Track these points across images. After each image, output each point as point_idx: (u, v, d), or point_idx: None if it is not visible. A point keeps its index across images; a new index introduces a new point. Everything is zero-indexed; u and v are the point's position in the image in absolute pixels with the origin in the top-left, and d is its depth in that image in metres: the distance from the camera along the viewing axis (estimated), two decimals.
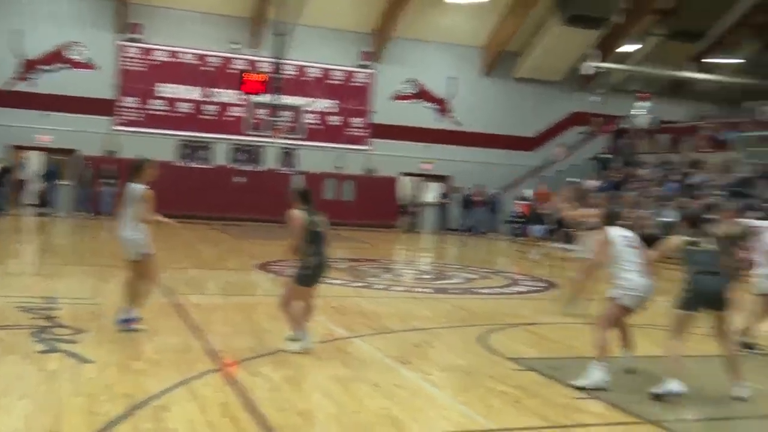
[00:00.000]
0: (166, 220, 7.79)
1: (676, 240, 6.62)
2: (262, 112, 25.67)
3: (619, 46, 28.80)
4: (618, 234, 6.82)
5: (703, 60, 29.63)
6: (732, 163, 23.42)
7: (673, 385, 6.09)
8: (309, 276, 7.09)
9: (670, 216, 22.00)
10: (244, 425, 4.97)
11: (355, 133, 28.10)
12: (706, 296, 6.28)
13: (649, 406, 5.99)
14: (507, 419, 5.45)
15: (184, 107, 26.45)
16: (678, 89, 30.86)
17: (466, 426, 5.30)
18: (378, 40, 27.69)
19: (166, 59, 26.21)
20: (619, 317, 6.78)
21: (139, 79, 25.87)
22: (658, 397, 6.08)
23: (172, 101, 26.36)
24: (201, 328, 7.98)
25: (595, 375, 6.35)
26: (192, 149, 26.55)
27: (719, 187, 22.10)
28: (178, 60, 26.31)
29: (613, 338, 6.86)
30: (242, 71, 25.72)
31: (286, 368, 6.49)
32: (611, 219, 7.14)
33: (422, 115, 28.64)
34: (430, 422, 5.41)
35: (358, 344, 7.80)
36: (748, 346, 8.34)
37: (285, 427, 4.97)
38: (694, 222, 6.74)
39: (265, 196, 25.82)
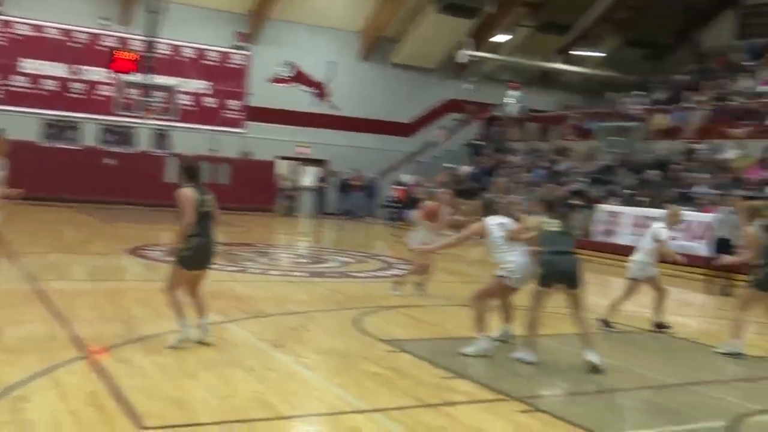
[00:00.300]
0: (10, 191, 7.51)
1: (534, 220, 7.13)
2: (133, 92, 24.75)
3: (491, 36, 29.61)
4: (495, 223, 7.25)
5: (569, 52, 30.90)
6: (595, 151, 24.61)
7: (525, 354, 6.82)
8: (190, 258, 6.57)
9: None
10: (110, 413, 4.83)
11: (231, 116, 27.60)
12: (559, 274, 6.81)
13: (516, 384, 6.25)
14: (380, 400, 5.55)
15: (49, 84, 25.16)
16: (546, 79, 32.08)
17: (340, 408, 5.36)
18: (254, 21, 27.26)
19: (28, 33, 24.81)
20: (500, 294, 7.37)
21: None
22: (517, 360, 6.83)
23: (35, 78, 25.01)
24: (65, 315, 7.66)
25: (481, 343, 6.88)
26: (58, 129, 25.30)
27: (583, 174, 23.18)
28: (42, 35, 24.96)
29: (492, 314, 7.39)
30: (112, 49, 24.70)
31: (157, 354, 6.34)
32: (488, 210, 7.48)
33: (300, 99, 28.47)
34: (303, 405, 5.44)
35: (232, 329, 7.71)
36: (606, 324, 8.83)
37: (153, 415, 4.86)
38: (550, 205, 7.27)
39: (137, 179, 25.03)
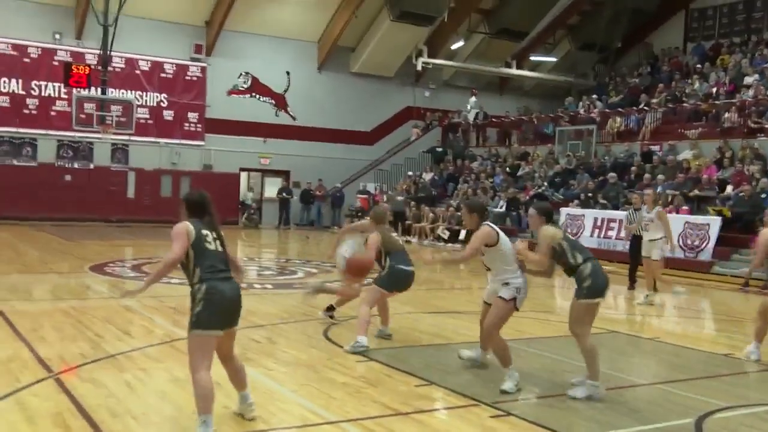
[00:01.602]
0: None
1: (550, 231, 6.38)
2: (89, 107, 24.35)
3: (448, 43, 29.85)
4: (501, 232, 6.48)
5: (526, 58, 31.28)
6: (555, 155, 24.93)
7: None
8: (204, 315, 4.73)
9: (500, 206, 23.15)
10: None
11: (191, 129, 27.38)
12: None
13: (487, 389, 6.29)
14: (349, 410, 5.55)
15: (2, 101, 24.70)
16: (504, 85, 32.42)
17: (308, 419, 5.35)
18: (211, 33, 27.12)
19: None
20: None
21: None
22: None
23: None
24: (29, 336, 7.53)
25: (513, 375, 6.27)
26: (13, 146, 24.84)
27: (544, 178, 23.47)
28: None
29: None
30: (67, 63, 24.34)
31: (122, 373, 6.27)
32: (483, 215, 6.69)
33: (259, 110, 28.36)
34: (271, 418, 5.41)
35: None
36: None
37: None
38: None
39: (96, 195, 24.72)
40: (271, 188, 28.97)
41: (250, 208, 27.97)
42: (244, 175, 28.48)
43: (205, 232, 4.87)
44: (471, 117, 30.08)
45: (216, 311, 4.74)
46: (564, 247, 6.16)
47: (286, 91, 28.74)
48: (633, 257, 13.35)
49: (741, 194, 17.30)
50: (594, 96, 27.67)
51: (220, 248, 4.93)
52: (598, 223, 19.21)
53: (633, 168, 21.22)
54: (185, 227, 4.82)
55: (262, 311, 9.75)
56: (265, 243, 23.40)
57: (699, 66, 26.17)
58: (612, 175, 21.03)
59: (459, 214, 23.09)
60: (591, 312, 6.19)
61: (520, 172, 25.01)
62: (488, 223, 6.45)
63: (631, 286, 13.47)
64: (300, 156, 28.51)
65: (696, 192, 18.38)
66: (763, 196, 16.94)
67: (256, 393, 5.84)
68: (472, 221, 6.50)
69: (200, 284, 4.75)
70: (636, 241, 12.96)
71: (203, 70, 27.32)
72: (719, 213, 17.28)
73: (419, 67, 29.34)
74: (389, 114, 30.73)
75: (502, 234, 6.36)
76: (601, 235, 18.92)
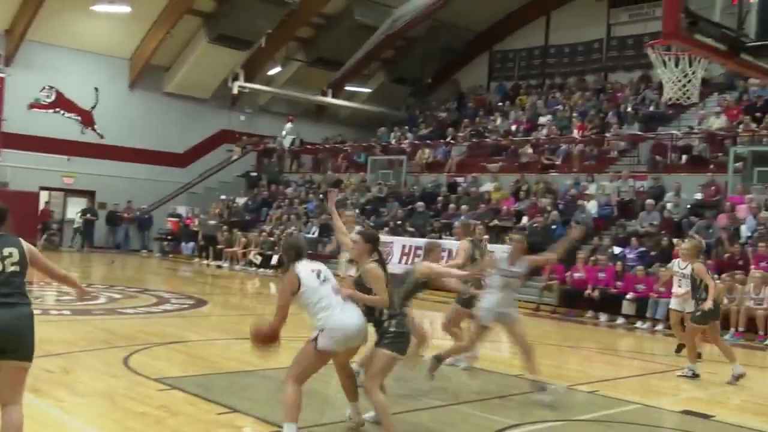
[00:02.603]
0: None
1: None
2: None
3: (265, 69, 29.90)
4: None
5: (342, 87, 31.98)
6: (366, 183, 25.61)
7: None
8: None
9: (313, 232, 23.41)
10: None
11: None
12: None
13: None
14: None
15: None
16: (320, 113, 32.92)
17: None
18: (11, 42, 25.40)
19: None
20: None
21: None
22: None
23: None
24: None
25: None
26: None
27: (356, 206, 24.00)
28: None
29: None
30: None
31: None
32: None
33: (64, 126, 26.83)
34: None
35: None
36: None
37: None
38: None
39: None
40: (75, 209, 27.44)
41: (50, 229, 26.30)
42: (44, 194, 26.77)
43: None
44: (286, 143, 30.23)
45: None
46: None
47: (93, 108, 27.44)
48: None
49: (535, 225, 18.64)
50: (405, 128, 28.80)
51: (10, 268, 4.43)
52: (406, 250, 19.91)
53: (440, 198, 22.25)
54: None
55: (57, 339, 9.23)
56: (66, 266, 22.08)
57: (500, 104, 28.00)
58: (420, 204, 21.91)
59: (272, 239, 23.09)
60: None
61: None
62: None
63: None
64: (107, 176, 27.25)
65: (496, 222, 19.56)
66: (554, 227, 18.34)
67: (43, 427, 5.54)
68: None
69: None
70: None
71: (0, 81, 25.47)
72: None
73: (235, 91, 29.17)
74: (203, 136, 30.19)
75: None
76: (409, 262, 19.60)
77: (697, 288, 9.01)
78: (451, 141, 25.63)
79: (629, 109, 23.24)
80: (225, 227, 24.81)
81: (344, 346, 5.58)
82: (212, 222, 25.01)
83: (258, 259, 22.73)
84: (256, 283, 20.50)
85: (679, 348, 10.88)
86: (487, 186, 22.09)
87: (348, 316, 5.50)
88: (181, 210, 27.55)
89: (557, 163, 22.13)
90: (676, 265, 10.27)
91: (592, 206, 19.00)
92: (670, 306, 10.66)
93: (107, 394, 6.67)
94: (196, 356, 8.85)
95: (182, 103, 29.20)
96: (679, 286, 10.13)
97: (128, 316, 11.69)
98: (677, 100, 8.66)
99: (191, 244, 25.80)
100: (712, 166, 18.62)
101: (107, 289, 15.28)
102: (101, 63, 27.24)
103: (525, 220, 19.42)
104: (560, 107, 25.52)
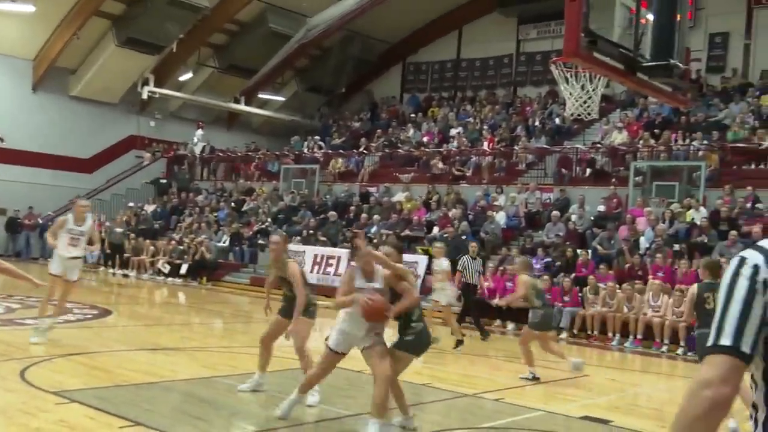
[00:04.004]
0: None
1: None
2: None
3: (176, 74, 29.36)
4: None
5: (256, 95, 31.70)
6: (279, 192, 25.45)
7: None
8: None
9: (224, 241, 23.11)
10: None
11: None
12: None
13: (197, 428, 6.24)
14: None
15: None
16: (233, 120, 32.54)
17: None
18: None
19: None
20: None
21: None
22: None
23: None
24: None
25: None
26: None
27: (268, 214, 23.83)
28: None
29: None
30: None
31: None
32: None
33: None
34: None
35: None
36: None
37: None
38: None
39: None
40: None
41: None
42: None
43: None
44: (197, 150, 29.75)
45: None
46: None
47: None
48: (467, 304, 14.00)
49: (445, 235, 18.90)
50: (318, 137, 28.78)
51: None
52: (318, 260, 19.89)
53: (352, 208, 22.32)
54: None
55: None
56: None
57: (413, 115, 28.34)
58: (332, 214, 21.92)
59: (181, 247, 22.65)
60: None
61: (244, 208, 25.17)
62: None
63: (483, 335, 13.80)
64: (7, 181, 26.12)
65: (407, 232, 19.76)
66: (464, 237, 18.66)
67: None
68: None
69: None
70: (468, 288, 13.70)
71: None
72: (426, 252, 18.75)
73: (145, 96, 28.48)
74: (111, 142, 29.36)
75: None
76: (321, 272, 19.59)
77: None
78: (364, 151, 25.77)
79: (537, 123, 23.90)
80: (132, 235, 24.18)
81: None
82: (119, 230, 24.34)
83: (166, 268, 22.27)
84: (164, 292, 20.07)
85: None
86: (399, 196, 22.29)
87: None
88: (88, 217, 26.67)
89: (467, 174, 22.54)
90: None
91: (500, 217, 19.42)
92: None
93: (1, 409, 6.40)
94: (98, 368, 8.60)
95: (89, 107, 28.34)
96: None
97: (27, 327, 11.24)
98: (579, 115, 8.99)
99: (96, 252, 25.00)
100: (614, 180, 19.33)
101: (5, 299, 14.65)
102: (2, 64, 26.17)
103: (436, 230, 19.69)
104: (471, 120, 26.02)
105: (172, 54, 27.90)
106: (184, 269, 21.95)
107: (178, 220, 25.73)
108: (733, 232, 15.23)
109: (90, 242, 10.70)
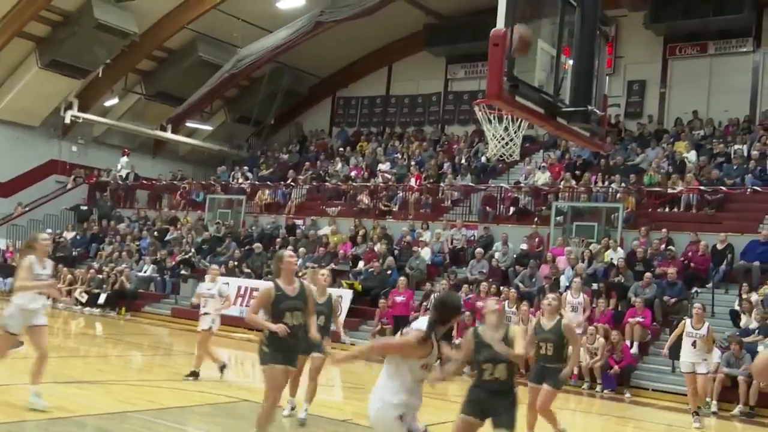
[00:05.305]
0: None
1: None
2: None
3: (101, 99, 28.78)
4: None
5: (183, 123, 31.30)
6: (204, 222, 25.10)
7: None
8: None
9: (146, 270, 22.62)
10: None
11: None
12: None
13: None
14: None
15: None
16: (159, 148, 32.02)
17: None
18: None
19: None
20: None
21: None
22: None
23: None
24: None
25: None
26: None
27: (192, 244, 23.45)
28: None
29: None
30: None
31: None
32: None
33: None
34: None
35: None
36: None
37: None
38: None
39: None
40: None
41: None
42: None
43: None
44: (122, 177, 29.15)
45: None
46: None
47: None
48: None
49: (371, 270, 18.99)
50: (245, 168, 28.58)
51: None
52: (242, 292, 19.65)
53: (278, 240, 22.17)
54: None
55: None
56: None
57: (342, 149, 28.46)
58: (258, 246, 21.74)
59: (100, 276, 22.04)
60: None
61: (168, 237, 24.71)
62: None
63: None
64: None
65: (332, 266, 19.73)
66: (389, 272, 18.76)
67: None
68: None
69: None
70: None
71: None
72: (351, 286, 18.77)
73: (68, 120, 27.78)
74: (30, 166, 28.44)
75: None
76: (245, 304, 19.33)
77: None
78: (292, 183, 25.71)
79: (463, 161, 24.31)
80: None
81: None
82: None
83: (84, 297, 21.64)
84: (81, 322, 19.46)
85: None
86: (326, 229, 22.29)
87: None
88: (1, 243, 25.77)
89: (394, 209, 22.73)
90: None
91: (425, 253, 19.61)
92: None
93: None
94: (4, 403, 8.26)
95: (7, 129, 27.43)
96: None
97: None
98: (501, 156, 9.21)
99: (9, 279, 24.11)
100: (536, 219, 19.80)
101: None
102: None
103: (361, 264, 19.73)
104: (399, 155, 26.28)
105: (97, 79, 27.39)
106: (102, 299, 21.36)
107: (98, 249, 25.07)
108: (648, 274, 15.77)
109: None
